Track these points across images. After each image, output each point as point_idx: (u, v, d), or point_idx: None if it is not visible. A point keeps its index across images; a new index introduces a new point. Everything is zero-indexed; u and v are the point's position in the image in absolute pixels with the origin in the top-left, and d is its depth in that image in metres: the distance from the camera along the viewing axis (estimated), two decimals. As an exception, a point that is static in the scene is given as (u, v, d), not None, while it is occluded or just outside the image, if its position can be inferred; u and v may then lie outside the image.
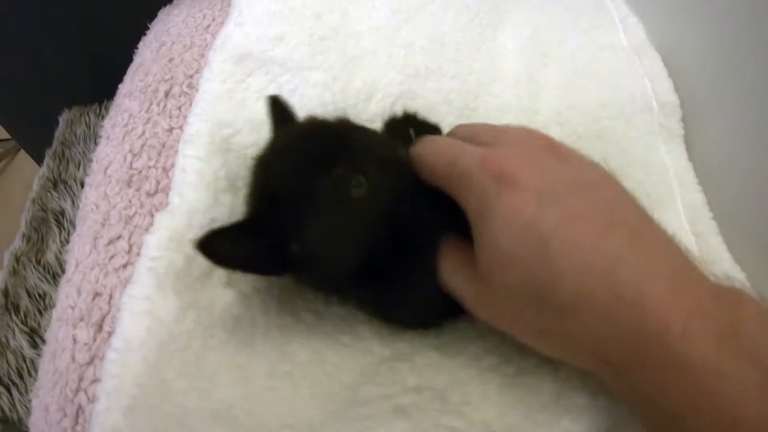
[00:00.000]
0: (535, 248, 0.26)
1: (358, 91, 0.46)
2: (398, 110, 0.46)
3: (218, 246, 0.31)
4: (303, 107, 0.46)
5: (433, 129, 0.33)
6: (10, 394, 0.62)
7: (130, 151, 0.47)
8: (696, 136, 0.55)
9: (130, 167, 0.46)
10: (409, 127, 0.34)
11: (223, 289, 0.36)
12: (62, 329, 0.40)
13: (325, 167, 0.31)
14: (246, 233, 0.32)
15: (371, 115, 0.46)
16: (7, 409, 0.62)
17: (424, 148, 0.33)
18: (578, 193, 0.28)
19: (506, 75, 0.53)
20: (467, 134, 0.35)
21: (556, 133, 0.51)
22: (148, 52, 0.59)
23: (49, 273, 0.70)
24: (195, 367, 0.32)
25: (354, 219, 0.32)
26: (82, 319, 0.39)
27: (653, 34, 0.61)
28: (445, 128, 0.48)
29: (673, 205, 0.52)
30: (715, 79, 0.53)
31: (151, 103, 0.51)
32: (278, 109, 0.38)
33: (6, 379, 0.63)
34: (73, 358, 0.37)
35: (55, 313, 0.42)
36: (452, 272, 0.32)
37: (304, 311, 0.38)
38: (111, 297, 0.38)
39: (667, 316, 0.24)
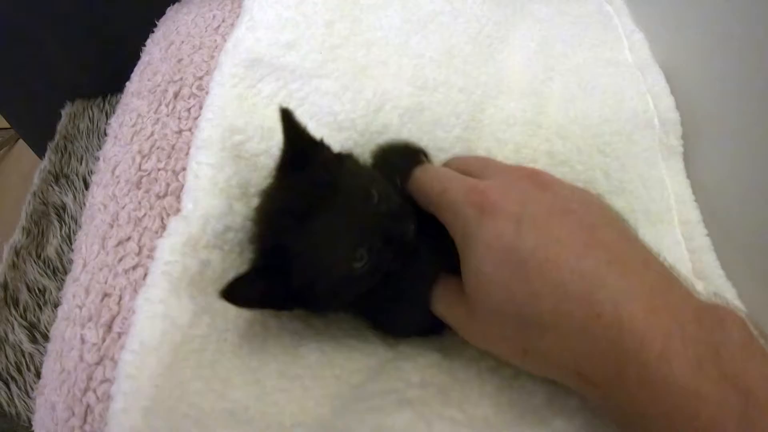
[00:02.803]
0: (515, 270, 0.28)
1: (368, 102, 0.47)
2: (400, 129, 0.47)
3: (238, 292, 0.33)
4: (313, 116, 0.47)
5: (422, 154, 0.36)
6: (9, 389, 0.62)
7: (139, 152, 0.47)
8: (694, 153, 0.56)
9: (139, 168, 0.46)
10: (400, 155, 0.36)
11: None
12: (69, 329, 0.40)
13: (334, 233, 0.33)
14: (260, 279, 0.34)
15: (380, 126, 0.47)
16: (5, 404, 0.62)
17: (421, 175, 0.36)
18: (557, 218, 0.29)
19: (511, 88, 0.54)
20: (461, 166, 0.37)
21: (558, 146, 0.52)
22: (156, 50, 0.59)
23: (49, 267, 0.70)
24: (210, 370, 0.33)
25: (355, 284, 0.35)
26: (90, 319, 0.39)
27: (657, 50, 0.61)
28: (452, 140, 0.49)
29: (670, 221, 0.53)
30: (715, 97, 0.55)
31: (160, 104, 0.51)
32: (290, 123, 0.37)
33: (5, 374, 0.63)
34: (81, 358, 0.38)
35: (61, 311, 0.43)
36: (441, 300, 0.34)
37: (313, 316, 0.39)
38: (121, 298, 0.39)
39: (645, 336, 0.25)
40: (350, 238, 0.33)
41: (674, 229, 0.53)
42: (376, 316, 0.40)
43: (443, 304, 0.34)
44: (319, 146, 0.39)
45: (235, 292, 0.33)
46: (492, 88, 0.52)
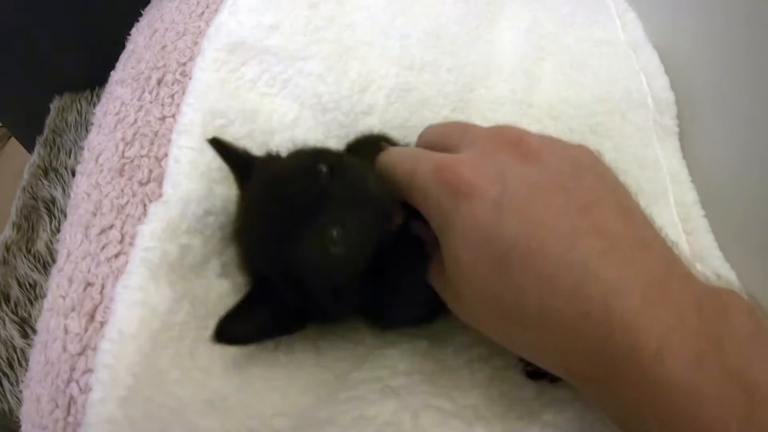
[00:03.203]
0: (495, 262, 0.25)
1: (352, 83, 0.46)
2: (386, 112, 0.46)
3: (233, 330, 0.31)
4: (297, 98, 0.46)
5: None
6: (1, 385, 0.62)
7: (122, 139, 0.47)
8: (690, 133, 0.55)
9: (122, 156, 0.45)
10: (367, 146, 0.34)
11: (218, 279, 0.36)
12: (53, 319, 0.39)
13: (298, 224, 0.30)
14: (251, 308, 0.32)
15: (365, 107, 0.46)
16: (-3, 399, 0.61)
17: (385, 160, 0.32)
18: (544, 197, 0.25)
19: (501, 68, 0.53)
20: (435, 137, 0.33)
21: (549, 127, 0.51)
22: (140, 38, 0.58)
23: (39, 262, 0.69)
24: (189, 358, 0.32)
25: (339, 273, 0.31)
26: (73, 309, 0.38)
27: (651, 29, 0.60)
28: (440, 120, 0.48)
29: (665, 202, 0.52)
30: (711, 77, 0.54)
31: (144, 91, 0.50)
32: (223, 150, 0.37)
33: (-4, 370, 0.63)
34: (64, 349, 0.37)
35: (46, 303, 0.42)
36: (433, 278, 0.32)
37: None
38: (103, 287, 0.38)
39: (639, 334, 0.22)
40: (319, 226, 0.29)
41: (670, 210, 0.52)
42: (371, 308, 0.37)
43: (435, 282, 0.31)
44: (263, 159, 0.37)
45: (229, 332, 0.30)
46: (481, 68, 0.51)
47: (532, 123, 0.50)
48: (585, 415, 0.31)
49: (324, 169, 0.31)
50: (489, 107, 0.49)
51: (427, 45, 0.50)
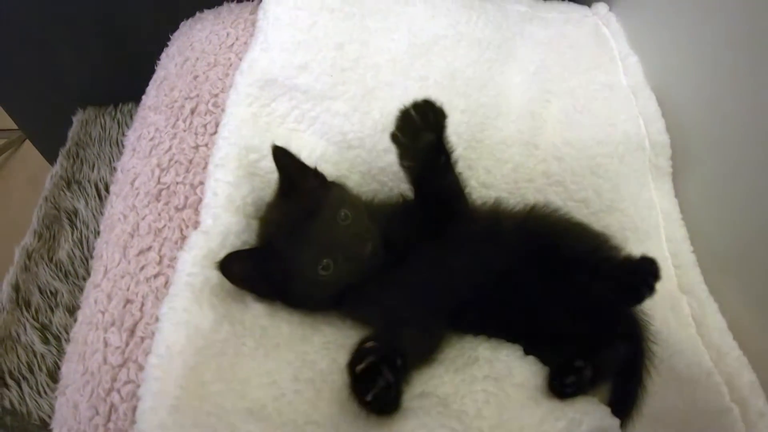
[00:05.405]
0: None
1: (375, 123, 0.50)
2: None
3: (232, 266, 0.39)
4: (323, 135, 0.50)
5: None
6: (20, 388, 0.64)
7: (158, 165, 0.50)
8: (682, 174, 0.59)
9: (158, 182, 0.49)
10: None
11: (253, 302, 0.40)
12: (92, 332, 0.43)
13: (307, 243, 0.40)
14: (251, 259, 0.41)
15: (386, 144, 0.49)
16: (16, 402, 0.64)
17: None
18: None
19: (510, 109, 0.57)
20: None
21: (554, 167, 0.56)
22: (171, 65, 0.61)
23: (61, 271, 0.72)
24: (230, 372, 0.36)
25: (319, 289, 0.42)
26: (113, 324, 0.42)
27: (650, 72, 0.64)
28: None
29: (657, 238, 0.56)
30: (704, 119, 0.57)
31: (177, 119, 0.54)
32: (281, 161, 0.43)
33: (16, 374, 0.65)
34: (105, 360, 0.40)
35: (82, 316, 0.45)
36: None
37: (323, 324, 0.43)
38: (143, 304, 0.42)
39: None
40: (318, 251, 0.40)
41: (661, 246, 0.56)
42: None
43: None
44: (310, 174, 0.45)
45: (229, 266, 0.39)
46: (492, 109, 0.55)
47: (538, 164, 0.54)
48: None
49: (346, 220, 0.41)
50: (498, 147, 0.53)
51: (443, 87, 0.54)
